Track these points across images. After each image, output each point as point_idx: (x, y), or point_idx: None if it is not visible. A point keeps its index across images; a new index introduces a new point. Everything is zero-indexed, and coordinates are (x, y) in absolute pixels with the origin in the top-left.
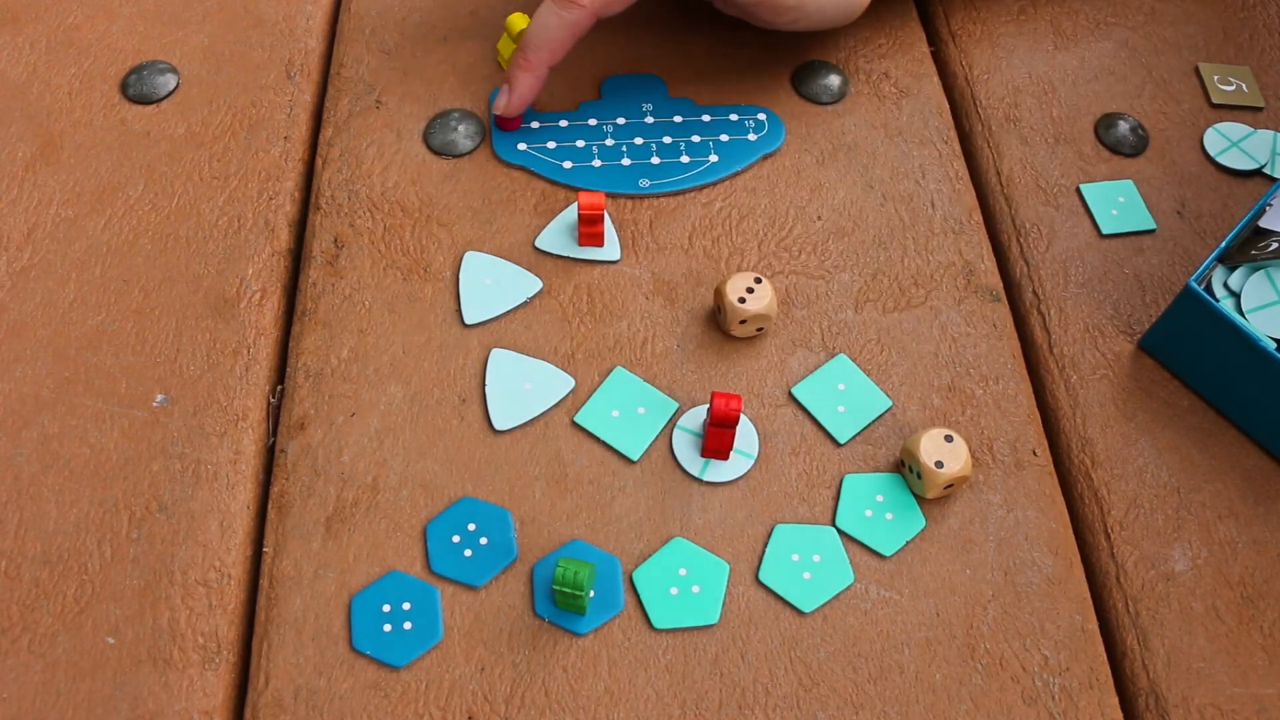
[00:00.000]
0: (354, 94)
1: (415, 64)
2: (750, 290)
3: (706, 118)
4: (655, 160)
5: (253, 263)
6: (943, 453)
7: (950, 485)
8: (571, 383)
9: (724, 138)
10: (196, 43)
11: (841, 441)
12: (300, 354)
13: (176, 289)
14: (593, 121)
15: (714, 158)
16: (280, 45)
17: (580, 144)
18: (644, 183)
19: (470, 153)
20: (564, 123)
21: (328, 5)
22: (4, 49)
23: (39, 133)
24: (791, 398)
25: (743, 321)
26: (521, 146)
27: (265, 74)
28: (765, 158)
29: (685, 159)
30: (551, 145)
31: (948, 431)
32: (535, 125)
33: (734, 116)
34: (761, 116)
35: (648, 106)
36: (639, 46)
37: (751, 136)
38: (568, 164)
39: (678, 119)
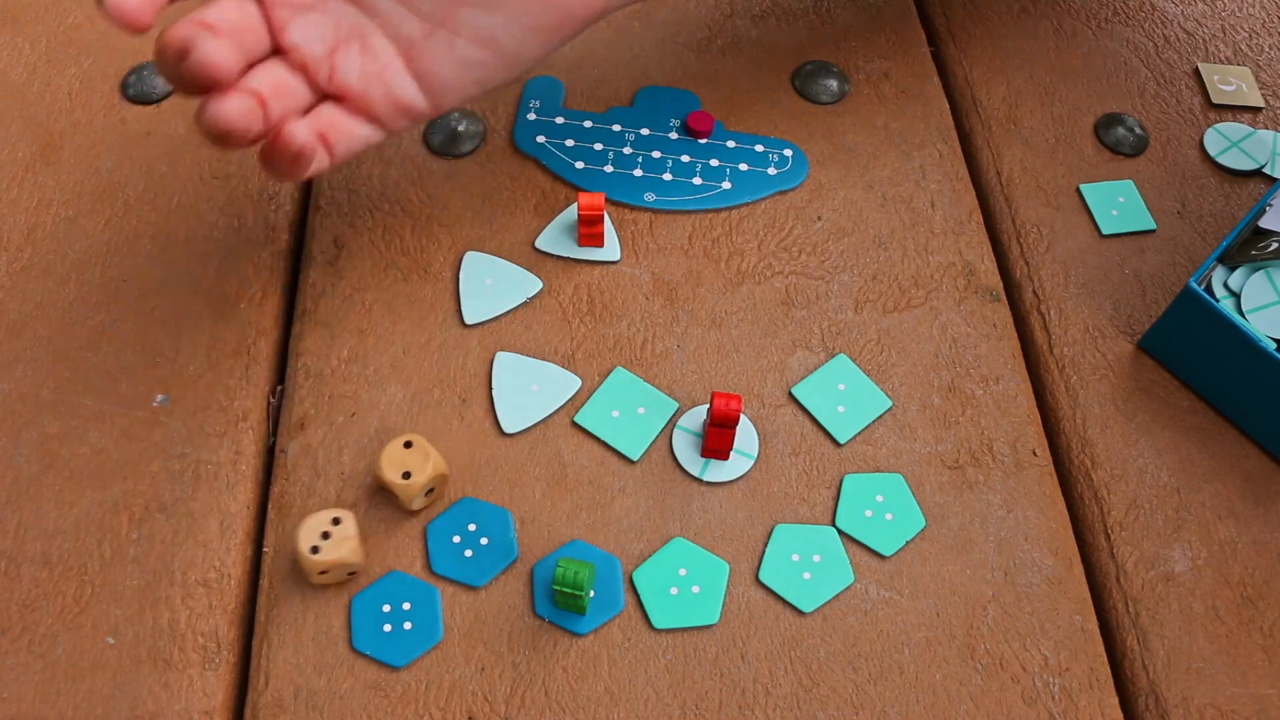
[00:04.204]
0: None
1: None
2: (326, 535)
3: (731, 144)
4: (667, 176)
5: (253, 263)
6: (409, 463)
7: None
8: (578, 383)
9: (743, 167)
10: None
11: (841, 441)
12: (300, 354)
13: (176, 289)
14: (617, 127)
15: (727, 185)
16: None
17: (598, 147)
18: (649, 197)
19: (470, 153)
20: (589, 123)
21: None
22: (4, 49)
23: (39, 133)
24: (791, 398)
25: (323, 572)
26: (540, 139)
27: None
28: (780, 193)
29: (697, 180)
30: (570, 143)
31: (408, 438)
32: (560, 120)
33: (759, 148)
34: (788, 153)
35: (675, 122)
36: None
37: (771, 171)
38: (580, 164)
39: (702, 140)
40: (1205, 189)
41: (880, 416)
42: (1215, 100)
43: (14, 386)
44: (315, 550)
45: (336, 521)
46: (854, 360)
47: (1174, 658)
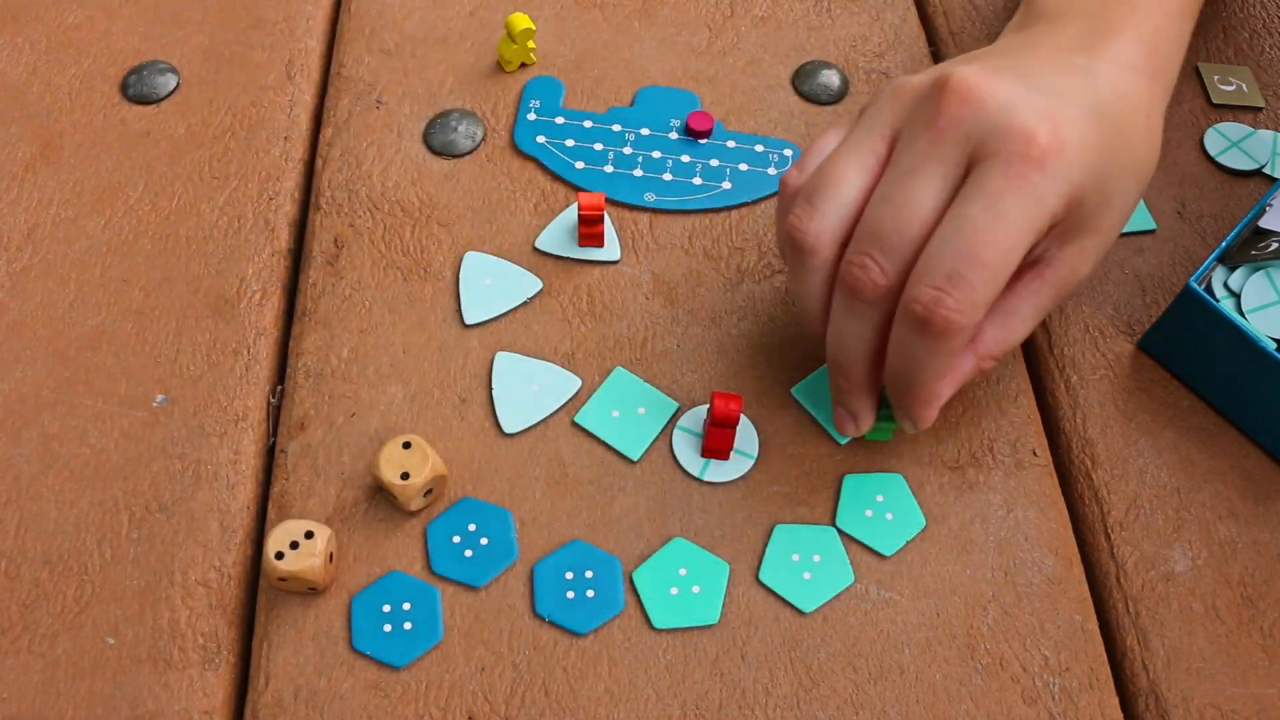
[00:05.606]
0: (354, 94)
1: (415, 64)
2: (295, 545)
3: (731, 144)
4: (667, 177)
5: (253, 263)
6: (408, 464)
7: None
8: (578, 383)
9: (743, 167)
10: (196, 43)
11: (841, 441)
12: (300, 354)
13: (176, 289)
14: (617, 127)
15: (727, 185)
16: (280, 45)
17: (598, 147)
18: (649, 197)
19: (470, 153)
20: (589, 123)
21: (328, 5)
22: (4, 49)
23: (39, 133)
24: (791, 398)
25: (281, 579)
26: (540, 139)
27: (265, 74)
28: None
29: (698, 180)
30: (570, 143)
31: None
32: (560, 120)
33: (759, 148)
34: (788, 153)
35: (675, 122)
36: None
37: (771, 171)
38: (580, 164)
39: (702, 140)
40: (1205, 189)
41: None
42: (1215, 100)
43: (14, 386)
44: (280, 556)
45: (310, 535)
46: None
47: (1174, 658)
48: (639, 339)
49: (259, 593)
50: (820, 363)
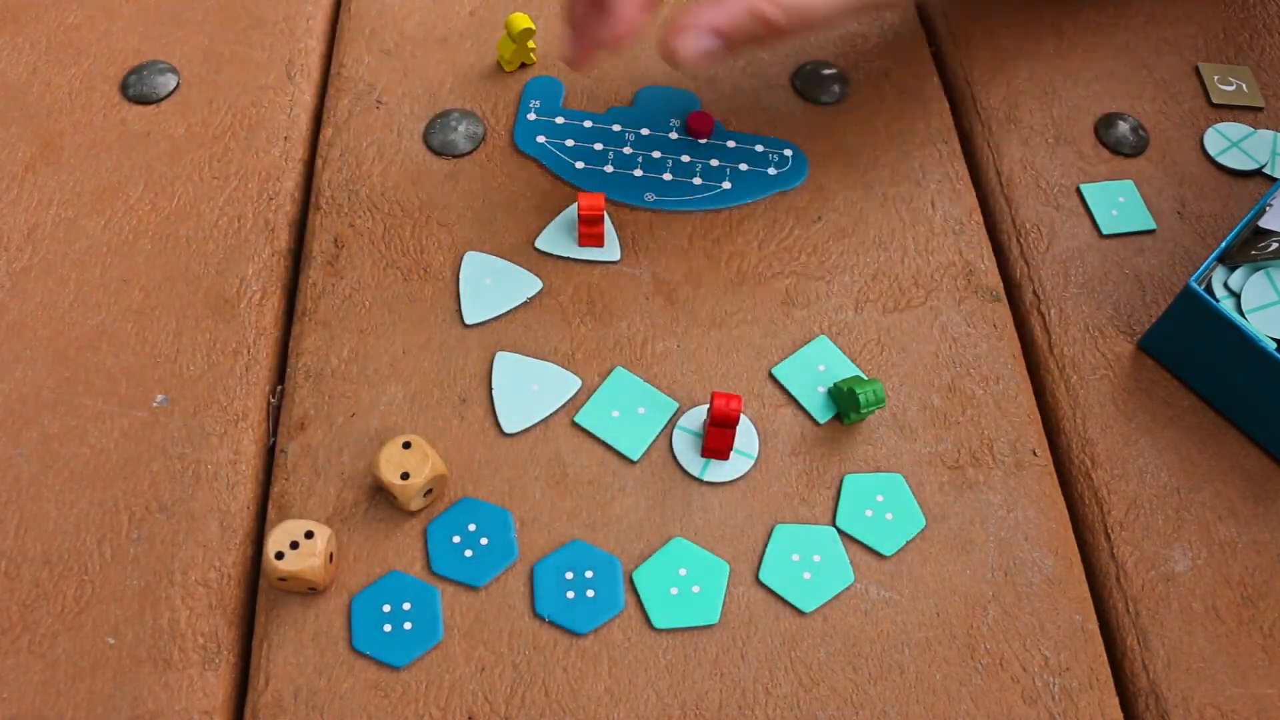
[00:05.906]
0: (354, 94)
1: (415, 64)
2: (295, 545)
3: (731, 144)
4: (667, 177)
5: (253, 263)
6: (407, 464)
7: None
8: (578, 383)
9: (743, 167)
10: (196, 43)
11: (822, 420)
12: (300, 354)
13: (176, 289)
14: (616, 127)
15: (727, 185)
16: (280, 45)
17: (598, 147)
18: (649, 197)
19: (470, 153)
20: (589, 123)
21: (328, 5)
22: (4, 49)
23: (39, 133)
24: (793, 399)
25: (281, 579)
26: (540, 139)
27: (265, 74)
28: (780, 193)
29: (697, 181)
30: (570, 143)
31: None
32: (560, 120)
33: (759, 148)
34: (788, 153)
35: (675, 122)
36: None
37: (771, 171)
38: (580, 164)
39: (702, 140)
40: (1205, 189)
41: (880, 415)
42: (1215, 100)
43: (14, 386)
44: (280, 556)
45: (310, 535)
46: (855, 361)
47: (1174, 658)
48: (639, 339)
49: (259, 593)
50: (801, 344)
